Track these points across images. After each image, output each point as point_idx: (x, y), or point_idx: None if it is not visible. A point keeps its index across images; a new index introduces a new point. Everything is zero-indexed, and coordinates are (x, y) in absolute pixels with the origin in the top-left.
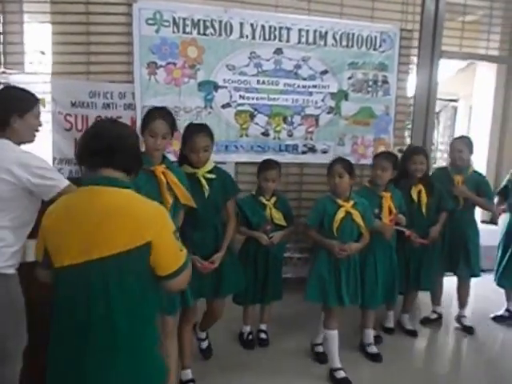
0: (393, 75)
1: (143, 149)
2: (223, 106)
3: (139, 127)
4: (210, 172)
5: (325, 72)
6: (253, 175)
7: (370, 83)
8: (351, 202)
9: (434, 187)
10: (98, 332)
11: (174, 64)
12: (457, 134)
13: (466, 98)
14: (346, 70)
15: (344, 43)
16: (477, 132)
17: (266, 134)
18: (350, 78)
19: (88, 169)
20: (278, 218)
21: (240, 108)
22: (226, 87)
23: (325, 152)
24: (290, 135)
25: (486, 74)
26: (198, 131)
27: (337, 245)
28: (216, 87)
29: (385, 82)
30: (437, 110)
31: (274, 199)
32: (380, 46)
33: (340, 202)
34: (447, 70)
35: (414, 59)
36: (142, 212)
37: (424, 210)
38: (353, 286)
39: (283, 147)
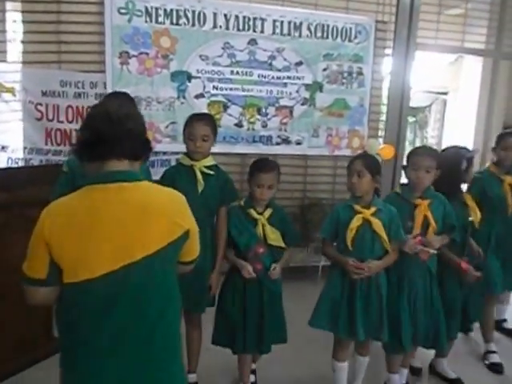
0: (368, 67)
1: None
2: (196, 97)
3: None
4: (208, 168)
5: (299, 63)
6: (225, 166)
7: (345, 75)
8: (372, 209)
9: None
10: (145, 327)
11: (147, 54)
12: (446, 128)
13: (455, 91)
14: (321, 61)
15: (319, 34)
16: (463, 125)
17: (239, 124)
18: (324, 70)
19: (87, 161)
20: (274, 238)
21: (213, 98)
22: (199, 77)
23: (299, 143)
24: (264, 126)
25: (473, 68)
26: (198, 119)
27: (351, 261)
28: (189, 77)
29: (360, 73)
30: (428, 103)
31: (268, 212)
32: (355, 37)
33: (357, 207)
34: (437, 64)
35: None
36: (170, 202)
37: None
38: (374, 315)
39: (257, 138)
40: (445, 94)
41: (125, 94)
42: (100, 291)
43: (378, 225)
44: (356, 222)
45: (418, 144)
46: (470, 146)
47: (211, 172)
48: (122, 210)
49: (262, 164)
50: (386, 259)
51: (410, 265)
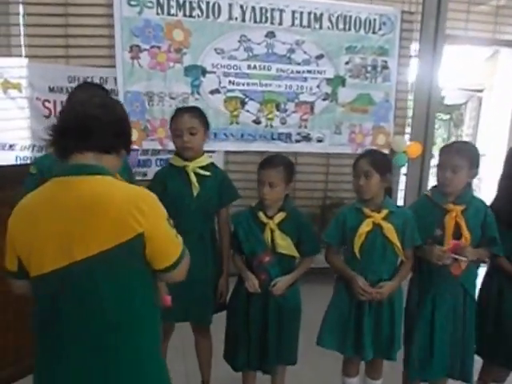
0: (393, 60)
1: None
2: (211, 92)
3: None
4: (203, 168)
5: (320, 56)
6: (243, 165)
7: (369, 68)
8: (384, 212)
9: None
10: (92, 337)
11: (159, 48)
12: (481, 126)
13: (490, 88)
14: (343, 54)
15: (341, 26)
16: (498, 123)
17: (257, 121)
18: (347, 63)
19: (58, 155)
20: (283, 245)
21: (230, 94)
22: (214, 72)
23: (320, 141)
24: (284, 123)
25: (509, 63)
26: (183, 111)
27: (360, 280)
28: (204, 72)
29: (385, 67)
30: (463, 100)
31: (279, 216)
32: (379, 29)
33: (367, 210)
34: (473, 60)
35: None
36: (125, 199)
37: None
38: (384, 333)
39: (276, 136)
40: (480, 91)
41: (98, 85)
42: (47, 288)
43: (390, 230)
44: (365, 227)
45: None
46: (505, 146)
47: (207, 173)
48: (67, 206)
49: (266, 159)
50: (400, 275)
51: (438, 278)
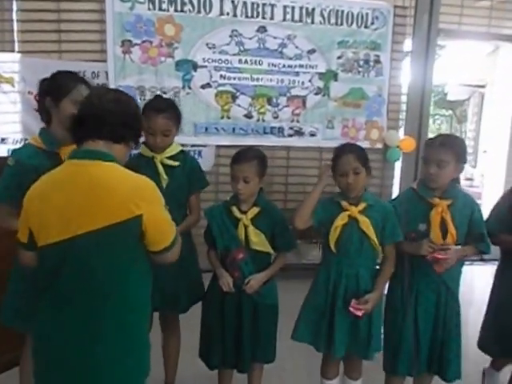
0: (386, 55)
1: None
2: (203, 87)
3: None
4: (172, 158)
5: (312, 51)
6: None
7: (361, 63)
8: (362, 205)
9: None
10: (83, 309)
11: (150, 42)
12: (484, 122)
13: (491, 83)
14: (335, 48)
15: (333, 21)
16: (500, 119)
17: (248, 116)
18: (339, 58)
19: (74, 141)
20: (257, 241)
21: (221, 88)
22: (205, 67)
23: (313, 135)
24: (276, 117)
25: (509, 58)
26: (158, 110)
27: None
28: (195, 67)
29: (377, 61)
30: (466, 96)
31: (253, 211)
32: (372, 23)
33: (345, 203)
34: (474, 55)
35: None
36: (129, 186)
37: None
38: (361, 331)
39: (268, 130)
40: (482, 86)
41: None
42: (50, 258)
43: (365, 223)
44: (340, 221)
45: None
46: (507, 140)
47: (175, 163)
48: (73, 186)
49: (238, 154)
50: (383, 279)
51: (420, 275)
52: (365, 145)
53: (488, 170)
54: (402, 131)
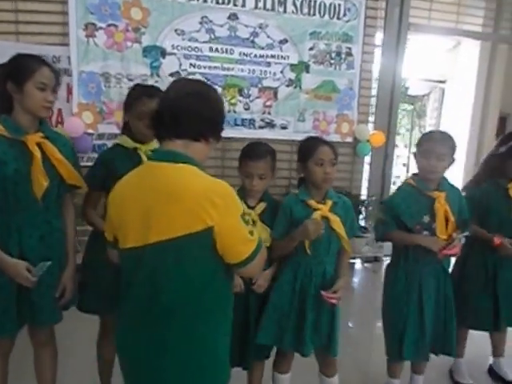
0: (357, 47)
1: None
2: (171, 75)
3: (76, 95)
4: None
5: (284, 41)
6: None
7: (333, 55)
8: (329, 203)
9: None
10: (155, 317)
11: (116, 26)
12: (444, 117)
13: (452, 79)
14: (308, 39)
15: (305, 10)
16: (460, 114)
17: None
18: (311, 49)
19: (157, 140)
20: (265, 237)
21: (190, 77)
22: (174, 54)
23: (284, 128)
24: (247, 109)
25: (470, 55)
26: (150, 95)
27: (324, 293)
28: (163, 53)
29: (349, 54)
30: (426, 91)
31: (261, 207)
32: (344, 15)
33: (312, 203)
34: (435, 51)
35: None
36: (201, 191)
37: None
38: (323, 329)
39: (239, 121)
40: (443, 82)
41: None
42: (127, 262)
43: (336, 222)
44: None
45: (416, 133)
46: (466, 135)
47: None
48: (148, 190)
49: (251, 149)
50: (345, 265)
51: (424, 263)
52: (335, 138)
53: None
54: (370, 126)
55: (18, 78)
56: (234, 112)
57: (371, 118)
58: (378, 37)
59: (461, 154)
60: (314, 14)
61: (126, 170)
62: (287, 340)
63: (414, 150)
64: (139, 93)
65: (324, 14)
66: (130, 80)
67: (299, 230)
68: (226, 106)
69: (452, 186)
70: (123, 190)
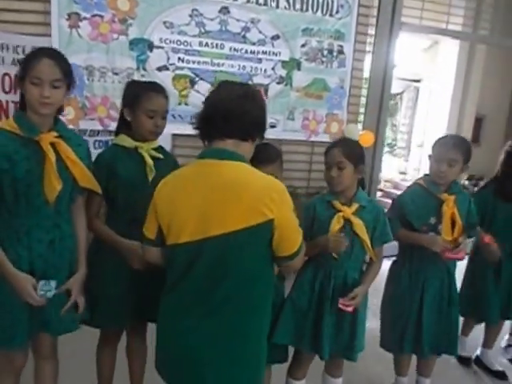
0: (349, 45)
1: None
2: (159, 69)
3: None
4: (155, 150)
5: (276, 37)
6: (192, 149)
7: (325, 53)
8: (354, 206)
9: None
10: (210, 308)
11: (101, 17)
12: (418, 116)
13: (428, 78)
14: (300, 36)
15: (298, 6)
16: (436, 113)
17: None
18: (303, 46)
19: (203, 140)
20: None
21: (179, 72)
22: (162, 47)
23: (273, 126)
24: None
25: (448, 55)
26: (156, 89)
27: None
28: (151, 47)
29: (340, 52)
30: (400, 90)
31: None
32: (337, 12)
33: (337, 204)
34: (411, 50)
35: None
36: (259, 187)
37: None
38: (345, 332)
39: None
40: (418, 81)
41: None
42: (182, 256)
43: (359, 226)
44: (337, 224)
45: (387, 131)
46: (443, 129)
47: (160, 155)
48: (206, 186)
49: (261, 154)
50: (369, 278)
51: (429, 263)
52: (324, 138)
53: (424, 163)
54: (359, 125)
55: (20, 73)
56: None
57: (360, 118)
58: (370, 35)
59: None
60: (307, 10)
61: (128, 171)
62: (306, 341)
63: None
64: (144, 88)
65: (317, 11)
66: (115, 74)
67: (321, 242)
68: None
69: (461, 189)
70: (174, 187)
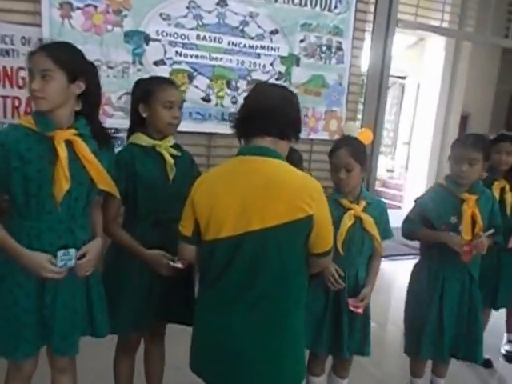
0: (347, 41)
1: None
2: (156, 63)
3: None
4: (173, 148)
5: (275, 32)
6: (193, 147)
7: (324, 49)
8: (362, 204)
9: None
10: (250, 303)
11: (95, 7)
12: (404, 113)
13: (414, 75)
14: (298, 31)
15: (296, 1)
16: (422, 110)
17: (206, 99)
18: (301, 41)
19: (241, 137)
20: None
21: (176, 66)
22: (159, 40)
23: None
24: (234, 102)
25: (435, 50)
26: (169, 81)
27: (333, 268)
28: (147, 39)
29: (339, 48)
30: None
31: None
32: (335, 7)
33: (346, 202)
34: (397, 46)
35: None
36: (299, 185)
37: (508, 211)
38: (358, 330)
39: (226, 116)
40: (403, 78)
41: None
42: (222, 251)
43: (369, 223)
44: (348, 222)
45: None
46: (431, 133)
47: (178, 153)
48: (250, 182)
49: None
50: (375, 270)
51: (448, 264)
52: (324, 136)
53: (411, 161)
54: (358, 123)
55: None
56: (222, 106)
57: (359, 115)
58: (368, 32)
59: (425, 152)
60: (306, 5)
61: (148, 170)
62: (324, 344)
63: None
64: (156, 81)
65: (315, 5)
66: (110, 68)
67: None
68: (214, 99)
69: (484, 190)
70: (214, 183)
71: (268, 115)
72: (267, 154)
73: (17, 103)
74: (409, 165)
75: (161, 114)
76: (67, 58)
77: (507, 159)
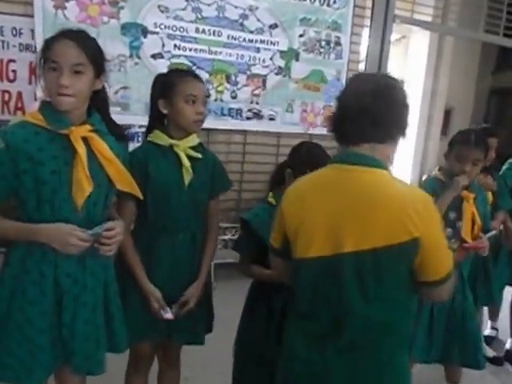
0: (346, 37)
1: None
2: (154, 57)
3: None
4: (193, 149)
5: (274, 26)
6: None
7: (323, 43)
8: None
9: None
10: (346, 327)
11: None
12: None
13: (397, 71)
14: (298, 26)
15: None
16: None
17: (206, 94)
18: (301, 36)
19: (339, 143)
20: None
21: (175, 60)
22: (157, 33)
23: (272, 119)
24: (234, 97)
25: (418, 46)
26: (192, 74)
27: None
28: (144, 32)
29: (337, 43)
30: None
31: None
32: (334, 2)
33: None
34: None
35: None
36: (401, 198)
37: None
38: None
39: (226, 111)
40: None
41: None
42: (309, 274)
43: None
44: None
45: None
46: (414, 128)
47: (199, 155)
48: (344, 196)
49: (315, 162)
50: None
51: None
52: (322, 131)
53: (396, 154)
54: None
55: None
56: (221, 101)
57: None
58: (365, 27)
59: (409, 146)
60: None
61: (160, 172)
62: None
63: None
64: (178, 74)
65: (314, 0)
66: (106, 61)
67: None
68: (213, 94)
69: (480, 189)
70: (304, 192)
71: (358, 119)
72: (367, 164)
73: (7, 97)
74: (393, 158)
75: (183, 110)
76: (97, 52)
77: (491, 155)
